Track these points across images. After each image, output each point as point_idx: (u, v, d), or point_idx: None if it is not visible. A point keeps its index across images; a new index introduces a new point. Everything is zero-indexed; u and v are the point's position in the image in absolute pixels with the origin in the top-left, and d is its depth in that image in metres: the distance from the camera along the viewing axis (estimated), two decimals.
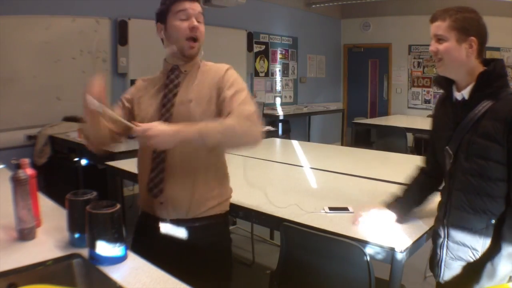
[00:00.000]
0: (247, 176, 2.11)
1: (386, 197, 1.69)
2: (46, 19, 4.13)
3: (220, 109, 1.48)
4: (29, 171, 1.32)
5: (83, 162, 3.62)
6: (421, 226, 1.52)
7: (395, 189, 1.99)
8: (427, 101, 7.59)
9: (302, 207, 1.69)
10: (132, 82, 1.81)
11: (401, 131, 5.02)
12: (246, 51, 6.40)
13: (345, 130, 7.84)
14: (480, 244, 1.32)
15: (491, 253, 1.30)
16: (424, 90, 7.60)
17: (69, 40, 4.32)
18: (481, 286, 1.31)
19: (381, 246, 1.37)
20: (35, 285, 1.04)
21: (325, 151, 3.20)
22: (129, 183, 4.01)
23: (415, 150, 6.33)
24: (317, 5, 7.48)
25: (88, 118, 1.43)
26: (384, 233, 1.46)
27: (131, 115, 1.57)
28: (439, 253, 1.43)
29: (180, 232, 1.51)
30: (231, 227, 3.84)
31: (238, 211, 1.76)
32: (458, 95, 1.37)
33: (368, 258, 1.38)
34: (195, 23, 1.50)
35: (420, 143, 6.31)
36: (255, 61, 6.62)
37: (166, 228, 1.52)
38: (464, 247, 1.35)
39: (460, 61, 1.32)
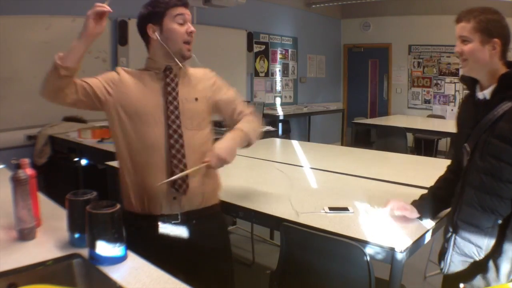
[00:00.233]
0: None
1: (390, 197, 1.69)
2: (46, 19, 4.13)
3: (218, 108, 1.73)
4: (29, 171, 1.32)
5: (83, 162, 3.62)
6: (421, 226, 1.52)
7: (395, 189, 2.00)
8: (427, 101, 7.59)
9: (302, 207, 1.69)
10: None
11: (401, 131, 5.02)
12: (246, 51, 6.40)
13: (345, 130, 7.85)
14: (484, 242, 1.33)
15: (494, 253, 1.32)
16: (424, 90, 7.60)
17: (69, 40, 4.23)
18: (482, 284, 1.32)
19: (381, 246, 1.37)
20: (35, 285, 1.04)
21: (325, 151, 3.20)
22: None
23: (415, 150, 6.34)
24: (317, 5, 7.48)
25: (91, 25, 1.55)
26: (384, 233, 1.46)
27: (98, 93, 1.57)
28: (446, 246, 1.45)
29: (191, 224, 1.58)
30: (231, 227, 3.86)
31: (238, 211, 1.76)
32: (480, 95, 1.39)
33: (368, 258, 1.38)
34: (192, 28, 1.58)
35: (420, 143, 6.31)
36: (255, 61, 6.62)
37: (175, 223, 1.57)
38: (469, 243, 1.36)
39: (484, 62, 1.34)
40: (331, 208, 1.67)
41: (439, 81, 7.41)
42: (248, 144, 1.68)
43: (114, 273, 1.10)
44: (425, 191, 1.92)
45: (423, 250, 1.55)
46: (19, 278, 1.05)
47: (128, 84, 1.59)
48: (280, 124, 6.10)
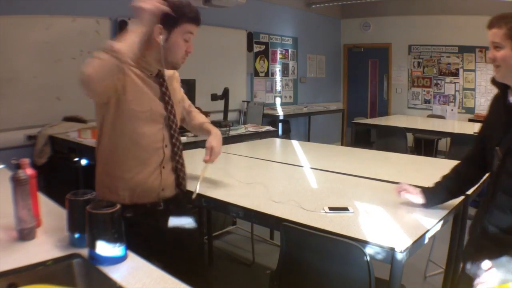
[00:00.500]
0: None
1: (390, 197, 1.69)
2: (46, 19, 4.13)
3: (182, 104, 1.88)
4: (29, 171, 1.32)
5: (83, 162, 3.62)
6: (421, 226, 1.52)
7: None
8: (427, 101, 7.59)
9: (302, 207, 1.69)
10: None
11: (401, 131, 5.02)
12: (246, 51, 6.40)
13: (345, 130, 7.85)
14: None
15: None
16: (424, 90, 7.61)
17: (69, 40, 4.32)
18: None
19: (381, 246, 1.37)
20: (35, 285, 1.04)
21: (325, 151, 3.20)
22: None
23: (415, 150, 6.34)
24: (317, 5, 7.48)
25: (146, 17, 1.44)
26: (384, 233, 1.46)
27: (118, 82, 1.47)
28: (474, 249, 1.46)
29: (169, 209, 1.72)
30: (231, 227, 3.87)
31: (238, 211, 1.76)
32: None
33: (368, 258, 1.38)
34: (192, 49, 1.63)
35: (420, 143, 6.32)
36: (255, 61, 6.62)
37: (159, 209, 1.69)
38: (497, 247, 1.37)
39: None
40: (331, 208, 1.67)
41: (439, 81, 7.41)
42: None
43: (114, 273, 1.10)
44: None
45: (423, 250, 1.55)
46: (19, 278, 1.05)
47: (134, 82, 1.55)
48: (280, 124, 6.11)
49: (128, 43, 1.41)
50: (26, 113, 4.03)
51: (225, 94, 4.55)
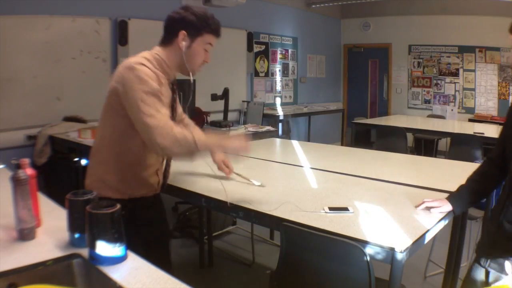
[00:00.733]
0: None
1: (390, 197, 1.69)
2: (46, 19, 4.14)
3: None
4: (29, 171, 1.32)
5: (83, 162, 3.62)
6: (421, 226, 1.52)
7: (395, 189, 1.99)
8: (427, 101, 7.59)
9: (302, 207, 1.69)
10: None
11: (401, 131, 5.02)
12: (246, 51, 6.40)
13: (345, 130, 7.85)
14: None
15: None
16: (424, 90, 7.61)
17: (69, 40, 4.32)
18: None
19: (381, 246, 1.37)
20: (35, 285, 1.04)
21: (325, 151, 3.20)
22: None
23: (415, 150, 6.34)
24: (317, 5, 7.48)
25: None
26: (384, 233, 1.46)
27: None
28: (486, 241, 1.48)
29: (155, 200, 1.87)
30: (231, 227, 3.87)
31: (238, 211, 1.76)
32: None
33: (368, 258, 1.37)
34: (209, 59, 1.71)
35: (420, 143, 6.32)
36: (255, 61, 6.62)
37: (157, 198, 1.86)
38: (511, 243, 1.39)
39: None
40: (331, 208, 1.67)
41: (439, 81, 7.42)
42: None
43: (114, 273, 1.10)
44: (425, 192, 1.93)
45: (423, 250, 1.55)
46: (19, 278, 1.05)
47: (163, 91, 1.62)
48: (280, 124, 6.11)
49: (206, 144, 1.56)
50: (26, 113, 4.03)
51: (225, 94, 4.55)
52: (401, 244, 1.35)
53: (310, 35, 7.63)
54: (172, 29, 1.62)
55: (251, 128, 4.31)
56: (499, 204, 1.47)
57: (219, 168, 2.05)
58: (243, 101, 6.28)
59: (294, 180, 2.19)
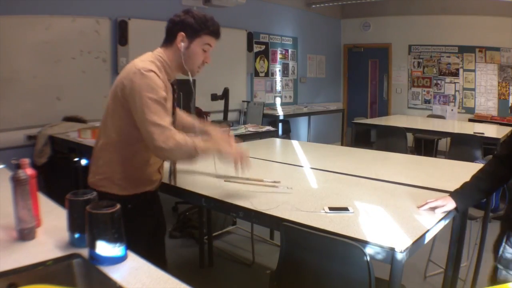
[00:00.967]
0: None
1: (390, 197, 1.69)
2: (46, 19, 4.14)
3: None
4: (29, 171, 1.32)
5: (83, 162, 3.62)
6: (421, 226, 1.52)
7: (395, 189, 1.99)
8: (427, 101, 7.59)
9: (302, 207, 1.69)
10: None
11: (401, 131, 5.02)
12: (246, 51, 6.40)
13: (345, 130, 7.85)
14: None
15: None
16: (424, 90, 7.61)
17: (69, 40, 4.32)
18: None
19: (381, 246, 1.37)
20: (35, 285, 1.04)
21: (325, 151, 3.20)
22: None
23: (415, 150, 6.34)
24: (317, 5, 7.48)
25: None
26: (384, 233, 1.46)
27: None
28: (503, 239, 1.52)
29: (155, 196, 1.97)
30: (231, 227, 3.87)
31: (238, 211, 1.76)
32: None
33: (368, 258, 1.37)
34: (209, 60, 1.77)
35: (420, 143, 6.32)
36: (255, 61, 6.62)
37: (156, 193, 1.95)
38: None
39: None
40: (331, 208, 1.67)
41: (439, 81, 7.42)
42: None
43: (114, 273, 1.10)
44: (425, 191, 1.93)
45: (423, 250, 1.55)
46: (19, 278, 1.05)
47: (167, 93, 1.70)
48: (280, 124, 6.11)
49: (206, 151, 1.66)
50: (26, 113, 4.03)
51: (225, 94, 4.55)
52: (401, 244, 1.35)
53: (310, 35, 7.63)
54: (172, 31, 1.71)
55: (251, 128, 4.31)
56: (510, 205, 1.52)
57: (235, 162, 1.76)
58: (243, 101, 6.28)
59: (294, 180, 2.19)
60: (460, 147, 4.53)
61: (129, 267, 1.14)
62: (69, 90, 4.34)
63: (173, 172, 2.02)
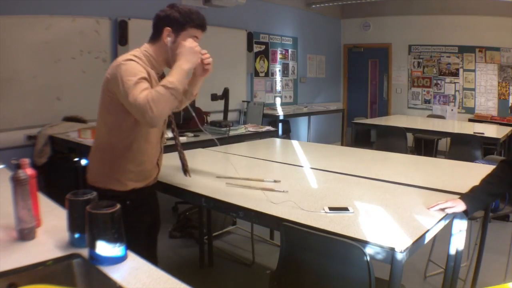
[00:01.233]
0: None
1: (390, 197, 1.68)
2: (46, 19, 4.14)
3: None
4: (29, 171, 1.32)
5: (83, 162, 3.62)
6: (421, 226, 1.52)
7: (395, 189, 1.99)
8: (427, 101, 7.59)
9: (302, 207, 1.69)
10: None
11: (401, 131, 5.02)
12: (246, 51, 6.40)
13: (345, 130, 7.85)
14: None
15: None
16: (424, 90, 7.61)
17: (69, 40, 4.32)
18: None
19: (381, 246, 1.37)
20: (35, 285, 1.04)
21: (325, 151, 3.20)
22: None
23: (415, 150, 6.34)
24: (317, 5, 7.48)
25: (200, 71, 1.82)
26: (384, 233, 1.46)
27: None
28: None
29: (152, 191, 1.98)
30: (231, 227, 3.87)
31: (238, 211, 1.76)
32: None
33: (368, 258, 1.38)
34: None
35: (420, 143, 6.32)
36: (255, 61, 6.62)
37: (153, 188, 1.97)
38: None
39: None
40: (331, 208, 1.67)
41: (439, 81, 7.42)
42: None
43: (114, 273, 1.10)
44: (425, 191, 1.93)
45: (423, 250, 1.55)
46: (19, 278, 1.05)
47: (152, 80, 1.68)
48: (280, 124, 6.11)
49: (179, 79, 1.59)
50: (26, 113, 4.03)
51: (225, 94, 4.55)
52: (401, 244, 1.35)
53: (310, 35, 7.63)
54: (158, 27, 1.73)
55: (251, 128, 4.31)
56: None
57: (205, 62, 1.83)
58: (243, 101, 6.28)
59: (294, 180, 2.19)
60: (460, 147, 4.53)
61: (129, 267, 1.14)
62: (69, 90, 4.33)
63: (185, 164, 2.01)
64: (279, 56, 7.06)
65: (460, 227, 1.85)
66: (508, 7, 6.20)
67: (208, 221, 3.34)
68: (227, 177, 2.10)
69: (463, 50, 7.04)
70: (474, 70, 7.01)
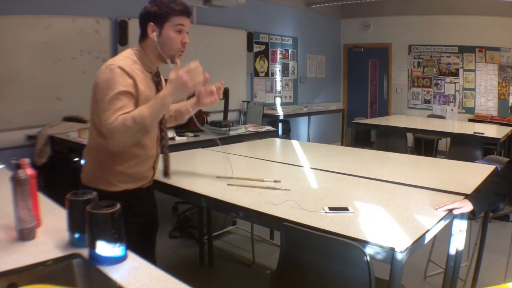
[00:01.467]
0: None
1: (390, 197, 1.68)
2: (46, 19, 4.14)
3: None
4: (29, 171, 1.32)
5: (83, 162, 3.62)
6: (421, 226, 1.52)
7: (395, 189, 1.99)
8: (427, 101, 7.59)
9: (302, 207, 1.69)
10: None
11: (401, 131, 5.02)
12: (246, 51, 6.40)
13: (345, 130, 7.85)
14: None
15: None
16: (424, 90, 7.61)
17: (69, 40, 4.32)
18: None
19: (381, 246, 1.37)
20: (35, 285, 1.04)
21: (325, 151, 3.20)
22: None
23: (415, 150, 6.34)
24: (317, 5, 7.48)
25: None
26: (384, 233, 1.46)
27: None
28: None
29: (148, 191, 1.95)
30: (231, 227, 3.87)
31: (238, 211, 1.76)
32: None
33: (368, 258, 1.38)
34: (187, 39, 1.70)
35: (420, 143, 6.32)
36: (255, 61, 6.62)
37: (150, 189, 1.94)
38: None
39: None
40: (331, 208, 1.67)
41: (439, 81, 7.42)
42: None
43: (114, 273, 1.10)
44: (425, 191, 1.93)
45: (423, 250, 1.55)
46: (19, 278, 1.05)
47: (140, 84, 1.65)
48: (280, 124, 6.11)
49: (155, 114, 1.56)
50: (26, 113, 4.03)
51: (225, 94, 4.55)
52: (401, 244, 1.35)
53: (310, 35, 7.63)
54: (142, 24, 1.71)
55: (251, 128, 4.31)
56: None
57: (204, 95, 2.02)
58: (243, 101, 6.28)
59: (294, 180, 2.19)
60: (460, 147, 4.53)
61: (129, 267, 1.14)
62: (69, 90, 4.33)
63: (167, 166, 1.96)
64: (279, 56, 7.06)
65: (460, 227, 1.85)
66: (508, 7, 6.20)
67: (208, 221, 3.34)
68: (227, 177, 2.10)
69: (463, 50, 7.05)
70: (474, 70, 7.01)
